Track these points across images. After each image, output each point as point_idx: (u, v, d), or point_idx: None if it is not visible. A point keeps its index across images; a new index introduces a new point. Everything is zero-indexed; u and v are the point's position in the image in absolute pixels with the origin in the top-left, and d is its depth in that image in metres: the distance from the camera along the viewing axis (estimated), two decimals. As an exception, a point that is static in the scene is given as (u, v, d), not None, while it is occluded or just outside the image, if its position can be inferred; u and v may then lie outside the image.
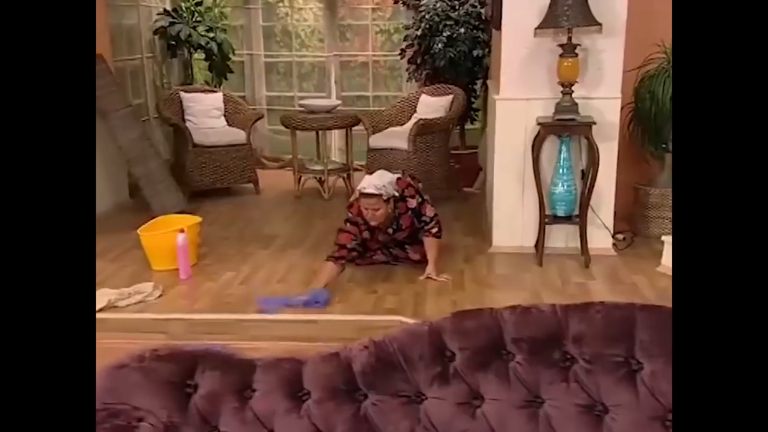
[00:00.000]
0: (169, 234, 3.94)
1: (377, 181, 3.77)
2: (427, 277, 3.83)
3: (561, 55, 3.87)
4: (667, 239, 3.98)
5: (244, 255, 4.31)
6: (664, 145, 4.46)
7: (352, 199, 4.01)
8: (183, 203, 5.22)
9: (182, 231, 3.87)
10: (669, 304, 3.24)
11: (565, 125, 3.91)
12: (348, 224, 3.85)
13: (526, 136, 4.15)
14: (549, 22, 3.81)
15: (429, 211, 3.93)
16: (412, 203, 3.88)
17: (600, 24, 3.81)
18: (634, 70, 4.39)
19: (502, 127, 4.20)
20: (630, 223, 4.57)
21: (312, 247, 4.45)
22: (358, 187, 3.83)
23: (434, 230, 3.93)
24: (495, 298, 3.58)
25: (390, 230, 3.93)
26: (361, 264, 4.01)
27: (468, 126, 6.41)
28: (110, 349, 3.27)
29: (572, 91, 3.90)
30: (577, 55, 3.85)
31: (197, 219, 4.19)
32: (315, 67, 7.41)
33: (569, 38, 3.83)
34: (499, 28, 4.27)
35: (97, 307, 3.43)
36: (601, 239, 4.18)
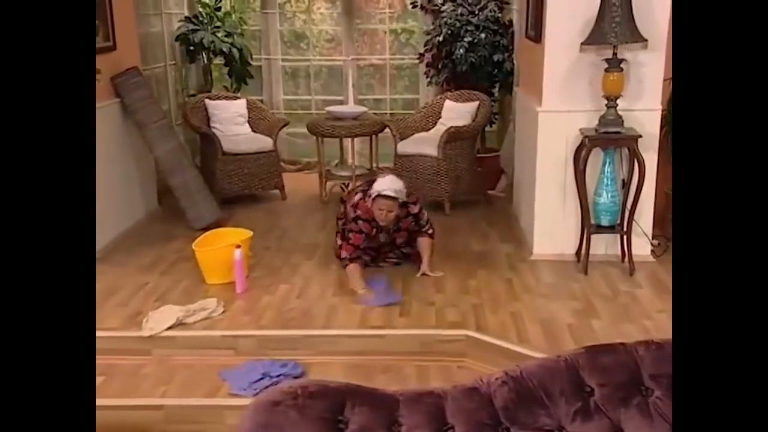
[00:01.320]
0: (225, 249, 3.97)
1: (395, 186, 3.98)
2: (423, 274, 4.13)
3: (606, 70, 3.93)
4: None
5: (292, 266, 4.34)
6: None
7: (356, 198, 4.10)
8: (218, 212, 5.23)
9: (238, 246, 3.89)
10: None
11: (612, 138, 3.98)
12: (359, 222, 4.03)
13: (568, 147, 4.22)
14: (596, 38, 3.87)
15: (425, 216, 4.26)
16: (414, 209, 4.17)
17: (646, 40, 3.87)
18: (668, 79, 4.46)
19: (544, 138, 4.26)
20: (663, 229, 4.66)
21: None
22: (375, 189, 3.98)
23: (430, 231, 4.25)
24: (550, 309, 3.66)
25: (391, 230, 4.17)
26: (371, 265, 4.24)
27: (487, 129, 6.47)
28: (184, 365, 3.34)
29: (617, 105, 3.97)
30: (622, 69, 3.92)
31: (249, 233, 4.21)
32: (332, 71, 7.41)
33: (614, 53, 3.90)
34: (539, 41, 4.33)
35: (167, 324, 3.46)
36: (640, 246, 4.27)
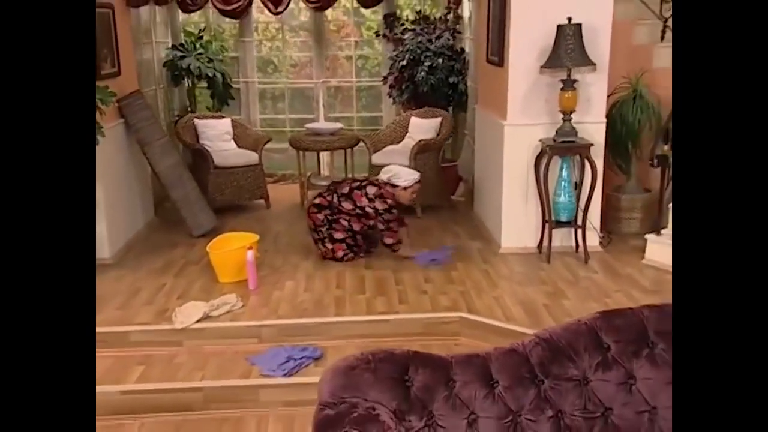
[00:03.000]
0: (238, 251, 4.05)
1: (415, 172, 4.55)
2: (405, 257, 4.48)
3: (562, 89, 4.21)
4: (650, 236, 4.40)
5: (293, 265, 4.44)
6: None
7: (374, 190, 4.36)
8: (215, 220, 5.28)
9: (251, 248, 3.98)
10: (663, 291, 3.62)
11: (568, 147, 4.26)
12: (394, 211, 4.37)
13: (529, 155, 4.48)
14: (553, 63, 4.15)
15: None
16: None
17: (594, 64, 4.18)
18: (610, 95, 4.80)
19: (509, 148, 4.51)
20: (605, 224, 4.98)
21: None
22: (407, 178, 4.45)
23: (406, 221, 4.64)
24: (526, 293, 3.89)
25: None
26: (360, 255, 4.52)
27: (444, 142, 6.71)
28: (214, 353, 3.41)
29: (572, 118, 4.26)
30: (575, 88, 4.21)
31: (255, 236, 4.29)
32: (302, 92, 7.53)
33: (569, 75, 4.18)
34: (502, 65, 4.58)
35: (196, 318, 3.52)
36: (590, 239, 4.56)
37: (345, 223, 4.34)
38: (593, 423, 1.95)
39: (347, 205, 4.32)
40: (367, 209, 4.30)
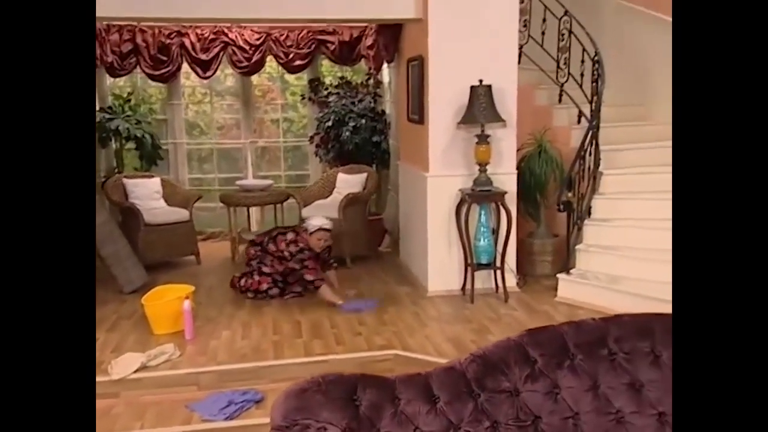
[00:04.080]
0: (174, 301, 4.00)
1: (326, 220, 4.73)
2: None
3: (477, 143, 4.52)
4: (561, 276, 4.69)
5: (228, 315, 4.42)
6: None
7: (291, 236, 4.68)
8: (146, 276, 5.18)
9: (187, 297, 3.95)
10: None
11: (485, 195, 4.54)
12: (306, 252, 4.58)
13: (450, 203, 4.73)
14: (469, 119, 4.46)
15: (332, 251, 4.93)
16: (330, 242, 4.82)
17: (504, 120, 4.52)
18: (519, 149, 5.17)
19: (432, 197, 4.75)
20: (520, 267, 5.26)
21: (278, 303, 4.65)
22: (314, 224, 4.67)
23: (335, 264, 4.94)
24: (454, 330, 4.04)
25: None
26: (287, 294, 4.74)
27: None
28: (152, 402, 3.33)
29: (487, 169, 4.55)
30: (488, 142, 4.52)
31: (191, 287, 4.25)
32: (229, 152, 7.59)
33: (482, 130, 4.50)
34: (422, 123, 4.87)
35: (133, 368, 3.44)
36: (509, 280, 4.80)
37: (269, 261, 4.67)
38: (525, 430, 2.08)
39: (272, 247, 4.70)
40: (285, 252, 4.63)
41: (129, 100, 6.80)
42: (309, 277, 4.56)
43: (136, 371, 3.43)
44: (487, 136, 4.51)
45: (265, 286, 4.69)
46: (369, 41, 6.40)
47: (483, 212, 4.62)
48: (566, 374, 2.14)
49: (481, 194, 4.53)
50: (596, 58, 5.11)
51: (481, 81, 4.43)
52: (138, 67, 6.70)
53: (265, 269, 4.70)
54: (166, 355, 3.60)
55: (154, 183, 6.18)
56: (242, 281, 4.78)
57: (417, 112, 5.00)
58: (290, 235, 4.68)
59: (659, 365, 2.15)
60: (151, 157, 6.81)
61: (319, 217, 4.85)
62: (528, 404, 2.10)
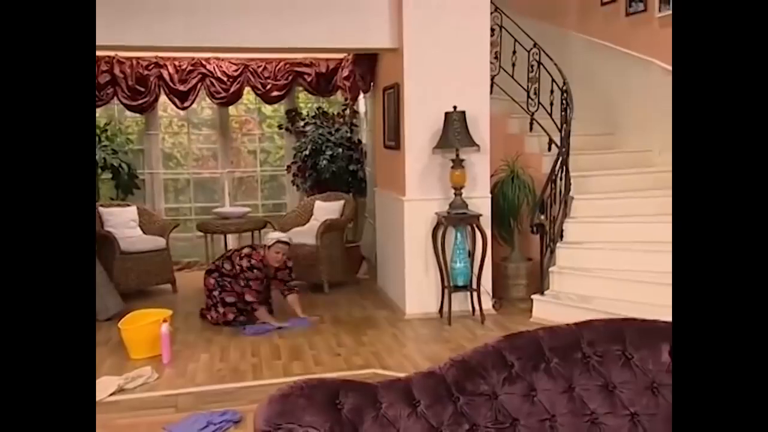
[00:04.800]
0: (151, 325, 3.98)
1: (285, 234, 4.67)
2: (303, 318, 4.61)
3: (452, 167, 4.64)
4: (535, 296, 4.78)
5: (206, 339, 4.40)
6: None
7: (247, 251, 4.60)
8: (122, 304, 5.13)
9: (165, 321, 3.93)
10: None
11: (460, 217, 4.64)
12: (255, 271, 4.48)
13: (427, 227, 4.82)
14: (444, 144, 4.59)
15: (293, 274, 4.81)
16: (290, 263, 4.72)
17: (478, 145, 4.66)
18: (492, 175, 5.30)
19: (409, 221, 4.83)
20: (496, 291, 5.34)
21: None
22: (272, 237, 4.59)
23: (297, 288, 4.83)
24: (433, 350, 4.08)
25: (270, 274, 4.65)
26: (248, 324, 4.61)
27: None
28: (128, 425, 3.28)
29: (462, 193, 4.66)
30: (463, 167, 4.64)
31: (168, 312, 4.24)
32: (206, 182, 7.61)
33: (457, 155, 4.62)
34: (399, 149, 4.98)
35: (110, 391, 3.40)
36: (485, 302, 4.88)
37: (229, 286, 4.53)
38: (504, 433, 2.12)
39: (227, 266, 4.58)
40: (236, 265, 4.55)
41: (106, 130, 6.81)
42: (249, 298, 4.49)
43: (112, 394, 3.39)
44: (462, 160, 4.63)
45: (231, 317, 4.57)
46: (345, 72, 6.55)
47: (459, 234, 4.71)
48: (542, 377, 2.19)
49: (456, 217, 4.62)
50: (564, 87, 5.31)
51: (455, 107, 4.57)
52: (116, 97, 6.74)
53: (228, 298, 4.55)
54: (143, 378, 3.57)
55: (131, 212, 6.17)
56: (210, 314, 4.66)
57: (393, 139, 5.12)
58: (246, 250, 4.61)
59: (630, 367, 2.22)
60: (127, 187, 6.81)
61: (278, 231, 4.85)
62: (506, 407, 2.15)
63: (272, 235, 4.67)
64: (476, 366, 2.19)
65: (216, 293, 4.57)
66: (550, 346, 2.25)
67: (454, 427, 2.09)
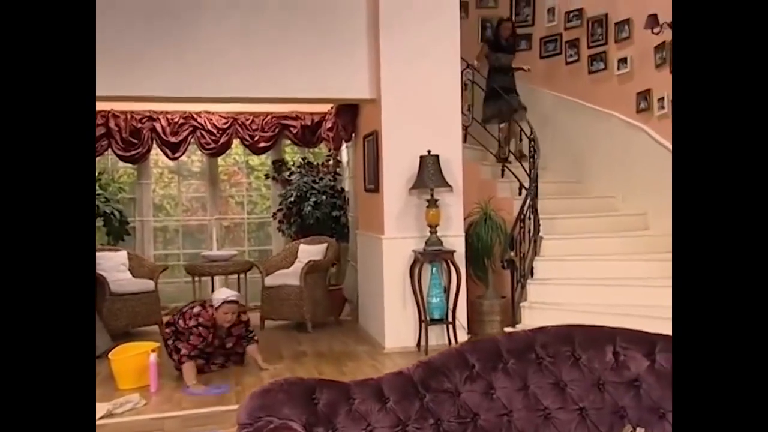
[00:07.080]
0: (140, 356, 4.12)
1: (232, 293, 4.51)
2: (264, 369, 4.53)
3: (427, 207, 4.91)
4: (507, 329, 4.97)
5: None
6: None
7: (196, 311, 4.45)
8: (110, 343, 5.24)
9: (154, 351, 4.08)
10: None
11: (436, 254, 4.88)
12: (200, 328, 4.37)
13: (404, 263, 5.05)
14: (419, 184, 4.88)
15: (250, 324, 4.72)
16: (245, 318, 4.66)
17: (451, 186, 4.95)
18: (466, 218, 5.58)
19: (387, 258, 5.06)
20: (471, 327, 5.52)
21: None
22: (219, 297, 4.43)
23: (256, 338, 4.70)
24: (409, 377, 4.23)
25: (224, 336, 4.55)
26: (206, 371, 4.52)
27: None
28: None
29: (437, 231, 4.92)
30: (438, 206, 4.92)
31: (156, 344, 4.37)
32: (194, 229, 7.83)
33: (432, 195, 4.91)
34: (378, 191, 5.26)
35: (99, 415, 3.51)
36: (460, 336, 5.06)
37: (184, 338, 4.41)
38: (465, 427, 2.30)
39: (181, 323, 4.47)
40: (186, 323, 4.42)
41: (99, 179, 7.05)
42: (182, 350, 4.31)
43: (101, 418, 3.51)
44: (437, 200, 4.92)
45: (184, 351, 4.34)
46: (329, 124, 6.90)
47: (434, 269, 4.94)
48: (500, 376, 2.40)
49: (432, 253, 4.87)
50: (532, 136, 5.69)
51: (429, 151, 4.88)
52: (110, 149, 7.02)
53: (182, 349, 4.35)
54: (131, 404, 3.69)
55: (121, 256, 6.34)
56: (172, 358, 4.50)
57: (373, 182, 5.41)
58: (196, 309, 4.46)
59: (579, 366, 2.43)
60: (117, 234, 6.99)
61: (225, 289, 4.66)
62: (467, 403, 2.34)
63: (217, 297, 4.45)
64: (441, 366, 2.39)
65: (170, 342, 4.48)
66: (508, 348, 2.47)
67: (420, 421, 2.28)
